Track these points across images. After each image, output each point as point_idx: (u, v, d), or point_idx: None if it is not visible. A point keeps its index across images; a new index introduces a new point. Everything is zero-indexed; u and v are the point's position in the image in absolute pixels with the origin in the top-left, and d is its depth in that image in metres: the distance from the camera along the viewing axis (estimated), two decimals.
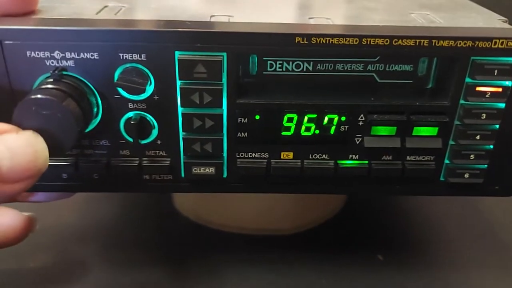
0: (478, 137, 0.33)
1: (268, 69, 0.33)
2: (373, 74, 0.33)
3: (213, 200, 0.46)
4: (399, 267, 0.42)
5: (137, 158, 0.33)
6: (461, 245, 0.45)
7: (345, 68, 0.33)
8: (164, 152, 0.33)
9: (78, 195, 0.47)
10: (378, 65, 0.33)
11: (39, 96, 0.27)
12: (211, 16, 0.33)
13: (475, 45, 0.30)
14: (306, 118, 0.33)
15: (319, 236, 0.46)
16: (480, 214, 0.49)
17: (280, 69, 0.33)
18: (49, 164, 0.31)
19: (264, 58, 0.32)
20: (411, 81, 0.34)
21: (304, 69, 0.33)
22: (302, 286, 0.40)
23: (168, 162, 0.33)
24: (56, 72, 0.29)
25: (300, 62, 0.33)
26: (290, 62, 0.33)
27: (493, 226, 0.48)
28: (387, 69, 0.33)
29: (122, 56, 0.30)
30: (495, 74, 0.31)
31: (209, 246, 0.44)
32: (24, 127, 0.27)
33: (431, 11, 0.36)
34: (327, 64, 0.33)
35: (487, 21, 0.34)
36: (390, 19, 0.35)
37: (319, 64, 0.33)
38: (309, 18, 0.34)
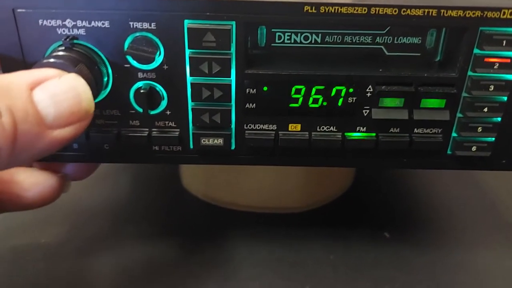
0: (485, 110, 0.33)
1: (277, 41, 0.33)
2: (382, 46, 0.33)
3: (221, 179, 0.47)
4: (405, 244, 0.42)
5: (147, 129, 0.33)
6: (465, 223, 0.45)
7: (354, 41, 0.33)
8: (173, 122, 0.33)
9: None
10: (386, 37, 0.33)
11: (52, 60, 0.27)
12: None
13: (484, 15, 0.30)
14: (314, 90, 0.33)
15: (327, 214, 0.46)
16: (485, 194, 0.49)
17: (289, 41, 0.33)
18: None
19: (273, 30, 0.33)
20: (419, 54, 0.34)
21: (313, 41, 0.33)
22: (310, 261, 0.40)
23: (177, 133, 0.33)
24: (67, 40, 0.29)
25: (308, 34, 0.33)
26: (299, 34, 0.33)
27: (497, 205, 0.48)
28: (395, 42, 0.33)
29: (133, 24, 0.30)
30: (504, 44, 0.31)
31: (218, 223, 0.44)
32: None
33: None
34: (335, 36, 0.33)
35: None
36: None
37: (327, 36, 0.33)
38: None
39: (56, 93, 0.26)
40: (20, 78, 0.25)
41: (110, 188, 0.49)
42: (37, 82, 0.26)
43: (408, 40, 0.33)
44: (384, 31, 0.33)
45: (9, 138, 0.24)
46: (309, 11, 0.30)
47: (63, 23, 0.30)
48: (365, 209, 0.47)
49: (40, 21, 0.30)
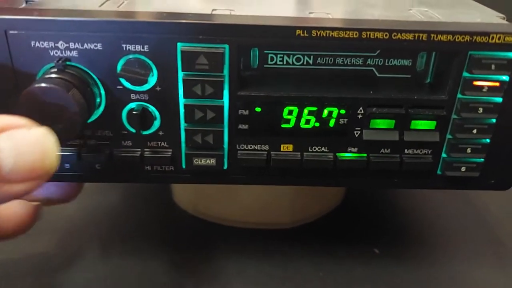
0: (475, 131, 0.33)
1: (269, 62, 0.33)
2: (373, 68, 0.34)
3: (211, 194, 0.47)
4: (395, 260, 0.42)
5: (139, 149, 0.33)
6: (457, 240, 0.46)
7: (345, 62, 0.33)
8: (165, 143, 0.33)
9: None
10: (377, 59, 0.33)
11: (43, 85, 0.27)
12: (213, 10, 0.33)
13: (473, 40, 0.31)
14: (306, 111, 0.33)
15: (317, 230, 0.46)
16: (476, 209, 0.50)
17: (281, 62, 0.33)
18: None
19: (265, 51, 0.33)
20: (409, 76, 0.34)
21: (305, 63, 0.33)
22: (299, 279, 0.40)
23: (169, 153, 0.33)
24: (60, 62, 0.29)
25: (300, 56, 0.33)
26: (291, 56, 0.33)
27: (488, 221, 0.48)
28: (386, 64, 0.34)
29: (125, 47, 0.30)
30: (493, 68, 0.31)
31: (207, 238, 0.44)
32: (27, 116, 0.27)
33: (429, 7, 0.37)
34: (327, 58, 0.33)
35: (485, 17, 0.35)
36: (389, 15, 0.35)
37: (319, 58, 0.33)
38: (309, 13, 0.34)
39: (21, 145, 0.24)
40: None
41: (99, 203, 0.48)
42: (4, 129, 0.24)
43: (399, 62, 0.34)
44: (375, 53, 0.33)
45: None
46: (301, 35, 0.30)
47: (56, 45, 0.30)
48: (354, 225, 0.47)
49: (32, 43, 0.30)
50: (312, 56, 0.33)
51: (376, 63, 0.34)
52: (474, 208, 0.50)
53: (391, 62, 0.34)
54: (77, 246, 0.43)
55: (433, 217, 0.49)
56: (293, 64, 0.33)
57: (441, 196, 0.51)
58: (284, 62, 0.33)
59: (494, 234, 0.46)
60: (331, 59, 0.33)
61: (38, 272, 0.40)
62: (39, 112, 0.28)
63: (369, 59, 0.33)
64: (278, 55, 0.33)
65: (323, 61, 0.33)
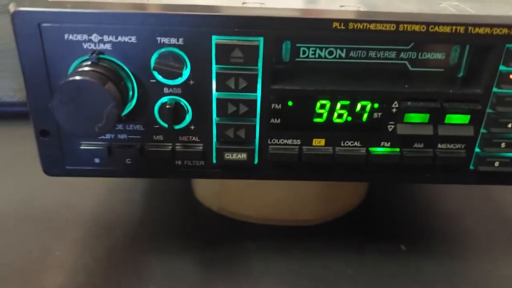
0: (509, 125, 0.33)
1: (301, 55, 0.33)
2: (406, 62, 0.33)
3: (235, 191, 0.46)
4: (422, 257, 0.42)
5: (170, 144, 0.33)
6: (482, 236, 0.45)
7: (378, 56, 0.33)
8: (197, 137, 0.33)
9: (101, 186, 0.48)
10: (410, 53, 0.33)
11: (78, 78, 0.27)
12: (243, 3, 0.33)
13: (511, 32, 0.30)
14: (338, 105, 0.33)
15: (343, 227, 0.46)
16: (499, 208, 0.49)
17: (313, 56, 0.33)
18: (82, 149, 0.32)
19: (297, 45, 0.33)
20: (442, 70, 0.34)
21: (337, 56, 0.33)
22: (328, 275, 0.40)
23: (200, 147, 0.33)
24: (93, 55, 0.29)
25: (333, 49, 0.33)
26: (323, 49, 0.33)
27: None
28: (419, 57, 0.33)
29: (160, 40, 0.30)
30: None
31: (233, 236, 0.44)
32: (61, 109, 0.27)
33: (459, 1, 0.36)
34: (360, 52, 0.33)
35: None
36: (421, 8, 0.35)
37: (352, 51, 0.33)
38: (341, 6, 0.34)
39: None
40: None
41: (122, 202, 0.48)
42: None
43: (432, 56, 0.33)
44: (409, 47, 0.33)
45: None
46: (338, 27, 0.30)
47: (89, 37, 0.29)
48: (379, 222, 0.47)
49: (66, 36, 0.29)
50: (344, 50, 0.33)
51: (409, 56, 0.33)
52: (496, 205, 0.50)
53: (424, 56, 0.33)
54: (102, 246, 0.42)
55: (456, 214, 0.48)
56: (325, 57, 0.33)
57: (463, 192, 0.51)
58: (316, 56, 0.33)
59: None
60: (363, 53, 0.33)
61: (66, 270, 0.39)
62: (73, 105, 0.28)
63: (402, 53, 0.33)
64: (311, 49, 0.33)
65: (355, 55, 0.33)
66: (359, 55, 0.33)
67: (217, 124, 0.32)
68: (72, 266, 0.39)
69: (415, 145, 0.34)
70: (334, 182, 0.44)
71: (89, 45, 0.30)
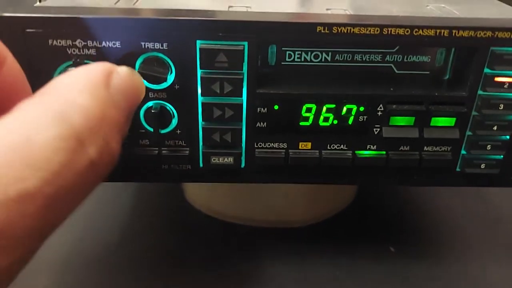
0: (495, 128, 0.33)
1: (287, 59, 0.33)
2: (391, 65, 0.33)
3: (225, 193, 0.46)
4: (411, 259, 0.42)
5: (157, 148, 0.33)
6: (471, 238, 0.45)
7: (364, 59, 0.33)
8: (183, 142, 0.33)
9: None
10: (396, 56, 0.33)
11: None
12: (229, 7, 0.33)
13: (495, 35, 0.30)
14: (324, 108, 0.33)
15: (331, 229, 0.46)
16: (489, 208, 0.50)
17: (299, 60, 0.33)
18: None
19: (283, 48, 0.33)
20: (428, 73, 0.34)
21: (323, 59, 0.33)
22: (316, 277, 0.40)
23: (187, 152, 0.33)
24: (78, 60, 0.29)
25: (318, 53, 0.33)
26: (309, 53, 0.33)
27: (502, 219, 0.48)
28: (405, 60, 0.33)
29: (144, 45, 0.30)
30: None
31: (221, 238, 0.44)
32: None
33: (446, 3, 0.37)
34: (345, 55, 0.33)
35: (504, 13, 0.35)
36: (407, 11, 0.35)
37: (337, 55, 0.33)
38: (327, 9, 0.34)
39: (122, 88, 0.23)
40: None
41: (111, 203, 0.48)
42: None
43: (418, 59, 0.33)
44: (394, 50, 0.33)
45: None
46: (322, 31, 0.30)
47: (74, 43, 0.29)
48: (368, 223, 0.47)
49: (50, 41, 0.29)
50: (330, 53, 0.33)
51: (395, 59, 0.33)
52: (486, 206, 0.50)
53: (410, 59, 0.33)
54: (91, 246, 0.42)
55: (446, 215, 0.48)
56: (311, 61, 0.33)
57: (453, 193, 0.51)
58: (302, 59, 0.33)
59: (508, 233, 0.46)
60: (349, 56, 0.33)
61: (62, 267, 0.39)
62: None
63: (388, 56, 0.33)
64: (296, 52, 0.33)
65: (341, 58, 0.33)
66: (345, 59, 0.33)
67: (203, 128, 0.32)
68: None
69: (401, 148, 0.34)
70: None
71: (73, 51, 0.30)
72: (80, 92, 0.21)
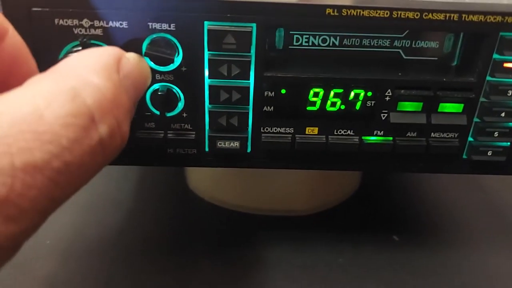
0: (503, 114, 0.33)
1: (294, 43, 0.33)
2: (399, 50, 0.33)
3: (228, 181, 0.46)
4: (414, 247, 0.42)
5: (162, 131, 0.33)
6: (473, 227, 0.45)
7: (372, 44, 0.33)
8: (189, 125, 0.33)
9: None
10: (404, 41, 0.33)
11: None
12: None
13: (505, 21, 0.30)
14: (332, 93, 0.32)
15: (335, 218, 0.46)
16: (490, 197, 0.50)
17: (306, 44, 0.33)
18: None
19: (291, 32, 0.32)
20: (436, 58, 0.34)
21: (331, 44, 0.33)
22: (320, 265, 0.40)
23: (193, 135, 0.33)
24: (84, 40, 0.29)
25: (326, 37, 0.33)
26: (317, 36, 0.33)
27: (503, 208, 0.48)
28: (413, 45, 0.33)
29: (151, 25, 0.29)
30: None
31: (224, 226, 0.44)
32: None
33: None
34: (353, 39, 0.33)
35: None
36: None
37: (345, 39, 0.33)
38: None
39: (131, 73, 0.23)
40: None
41: (114, 190, 0.48)
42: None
43: (426, 44, 0.33)
44: (403, 35, 0.33)
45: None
46: (331, 13, 0.30)
47: (80, 22, 0.29)
48: (372, 212, 0.47)
49: (56, 21, 0.29)
50: (338, 37, 0.33)
51: (403, 44, 0.33)
52: (487, 195, 0.50)
53: (418, 44, 0.33)
54: (95, 233, 0.42)
55: (449, 205, 0.48)
56: (319, 45, 0.33)
57: (456, 183, 0.51)
58: (310, 43, 0.33)
59: (510, 221, 0.46)
60: (357, 41, 0.33)
61: (62, 253, 0.39)
62: None
63: (396, 41, 0.33)
64: (304, 36, 0.33)
65: (349, 43, 0.33)
66: (353, 43, 0.33)
67: (209, 112, 0.32)
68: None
69: (408, 134, 0.33)
70: (328, 172, 0.44)
71: (80, 30, 0.29)
72: (96, 72, 0.21)
